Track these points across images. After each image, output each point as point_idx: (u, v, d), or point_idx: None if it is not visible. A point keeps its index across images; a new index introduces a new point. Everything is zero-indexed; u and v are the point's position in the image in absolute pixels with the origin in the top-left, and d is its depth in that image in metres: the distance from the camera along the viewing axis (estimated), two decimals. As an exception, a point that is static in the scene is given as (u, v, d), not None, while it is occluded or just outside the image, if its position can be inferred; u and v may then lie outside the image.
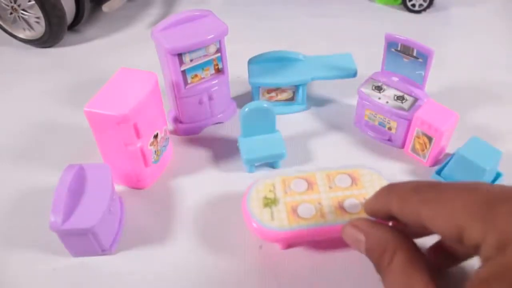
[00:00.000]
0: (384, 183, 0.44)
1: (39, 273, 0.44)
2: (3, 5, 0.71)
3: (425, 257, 0.29)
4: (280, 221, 0.41)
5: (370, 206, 0.34)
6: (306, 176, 0.45)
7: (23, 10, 0.70)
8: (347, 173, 0.46)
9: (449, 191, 0.27)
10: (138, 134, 0.46)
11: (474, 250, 0.25)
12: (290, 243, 0.44)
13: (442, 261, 0.36)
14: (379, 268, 0.29)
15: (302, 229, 0.41)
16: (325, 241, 0.44)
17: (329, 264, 0.44)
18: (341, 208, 0.42)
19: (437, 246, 0.36)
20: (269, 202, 0.43)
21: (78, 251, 0.44)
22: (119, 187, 0.51)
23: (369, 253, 0.30)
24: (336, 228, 0.41)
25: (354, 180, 0.45)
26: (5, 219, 0.49)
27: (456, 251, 0.27)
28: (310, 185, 0.44)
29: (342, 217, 0.42)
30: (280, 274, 0.43)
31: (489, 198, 0.25)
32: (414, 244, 0.29)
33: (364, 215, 0.40)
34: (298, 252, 0.45)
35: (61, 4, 0.69)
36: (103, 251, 0.44)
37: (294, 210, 0.42)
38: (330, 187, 0.44)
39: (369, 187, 0.44)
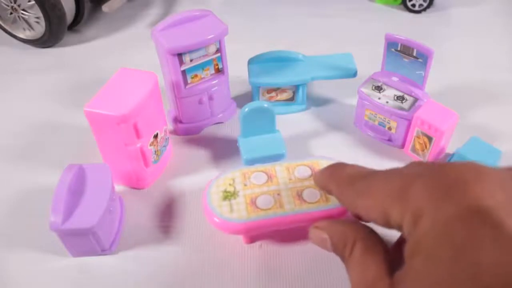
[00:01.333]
0: None
1: (39, 273, 0.44)
2: (3, 5, 0.71)
3: (384, 243, 0.30)
4: (239, 213, 0.42)
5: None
6: (266, 169, 0.46)
7: (23, 10, 0.70)
8: (307, 164, 0.46)
9: (377, 181, 0.29)
10: (138, 134, 0.46)
11: (402, 233, 0.27)
12: (251, 235, 0.45)
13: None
14: (343, 260, 0.31)
15: (261, 220, 0.41)
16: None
17: (329, 264, 0.44)
18: (299, 197, 0.43)
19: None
20: (228, 195, 0.43)
21: (78, 251, 0.44)
22: (119, 187, 0.51)
23: (334, 248, 0.32)
24: (295, 217, 0.42)
25: (314, 171, 0.45)
26: (5, 219, 0.49)
27: None
28: (270, 177, 0.45)
29: (300, 206, 0.42)
30: (279, 274, 0.43)
31: (405, 180, 0.26)
32: (372, 232, 0.31)
33: (321, 206, 0.42)
34: (298, 251, 0.45)
35: (61, 4, 0.69)
36: (103, 251, 0.44)
37: (253, 202, 0.43)
38: (290, 179, 0.45)
39: None
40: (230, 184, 0.44)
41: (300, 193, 0.43)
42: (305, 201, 0.43)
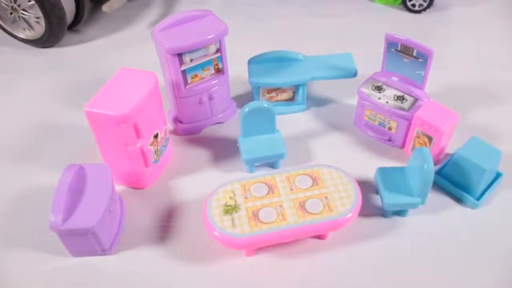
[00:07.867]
0: (346, 179, 0.45)
1: (39, 273, 0.44)
2: (3, 5, 0.71)
3: None
4: (241, 227, 0.42)
5: None
6: (266, 180, 0.45)
7: (23, 10, 0.70)
8: (307, 173, 0.46)
9: None
10: (138, 134, 0.46)
11: None
12: (254, 249, 0.44)
13: None
14: None
15: (264, 234, 0.41)
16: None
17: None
18: (302, 209, 0.43)
19: None
20: (230, 209, 0.43)
21: (78, 251, 0.44)
22: (119, 187, 0.51)
23: None
24: (298, 230, 0.42)
25: (315, 180, 0.45)
26: (5, 219, 0.49)
27: None
28: (271, 188, 0.45)
29: (303, 219, 0.42)
30: (281, 274, 0.43)
31: None
32: None
33: (325, 216, 0.42)
34: (298, 251, 0.45)
35: (61, 4, 0.69)
36: (103, 251, 0.44)
37: (255, 215, 0.42)
38: (291, 189, 0.45)
39: (331, 186, 0.45)
40: (230, 198, 0.44)
41: (303, 204, 0.43)
42: (308, 212, 0.43)
